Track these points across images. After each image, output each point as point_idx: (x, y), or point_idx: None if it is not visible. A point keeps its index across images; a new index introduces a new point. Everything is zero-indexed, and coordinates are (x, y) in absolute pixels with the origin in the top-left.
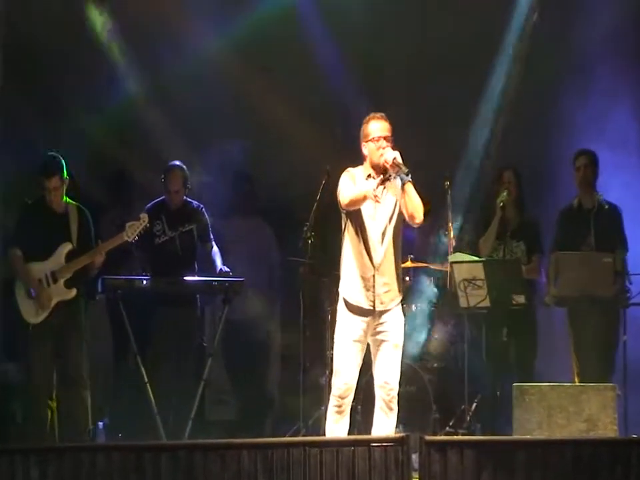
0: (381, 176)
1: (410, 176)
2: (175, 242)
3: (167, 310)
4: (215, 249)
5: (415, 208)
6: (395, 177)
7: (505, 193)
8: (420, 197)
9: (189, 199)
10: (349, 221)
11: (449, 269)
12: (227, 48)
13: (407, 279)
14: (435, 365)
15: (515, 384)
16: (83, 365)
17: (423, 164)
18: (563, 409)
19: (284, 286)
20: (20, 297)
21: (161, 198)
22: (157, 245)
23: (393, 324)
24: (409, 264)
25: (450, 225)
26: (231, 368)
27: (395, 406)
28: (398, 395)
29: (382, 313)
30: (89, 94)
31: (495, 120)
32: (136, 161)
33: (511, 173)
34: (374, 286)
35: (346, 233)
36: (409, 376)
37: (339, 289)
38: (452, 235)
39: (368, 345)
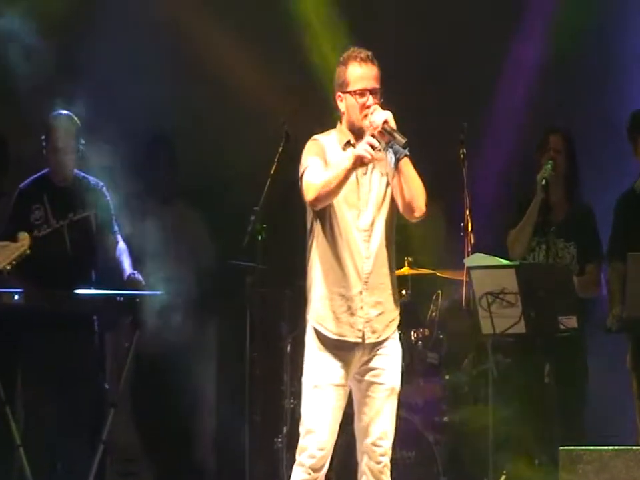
0: (372, 139)
1: (407, 148)
2: (62, 235)
3: (49, 338)
4: (122, 245)
5: (415, 194)
6: (385, 149)
7: (548, 166)
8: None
9: (83, 174)
10: (316, 214)
11: (465, 278)
12: None
13: (403, 292)
14: (445, 418)
15: (562, 447)
16: None
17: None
18: None
19: (222, 302)
20: None
21: (42, 172)
22: (36, 240)
23: (389, 359)
24: (405, 270)
25: (467, 212)
26: (143, 424)
27: (387, 478)
28: (391, 462)
29: (374, 345)
30: None
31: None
32: (11, 122)
33: (559, 137)
34: (362, 308)
35: (315, 233)
36: (406, 435)
37: (308, 315)
38: (470, 228)
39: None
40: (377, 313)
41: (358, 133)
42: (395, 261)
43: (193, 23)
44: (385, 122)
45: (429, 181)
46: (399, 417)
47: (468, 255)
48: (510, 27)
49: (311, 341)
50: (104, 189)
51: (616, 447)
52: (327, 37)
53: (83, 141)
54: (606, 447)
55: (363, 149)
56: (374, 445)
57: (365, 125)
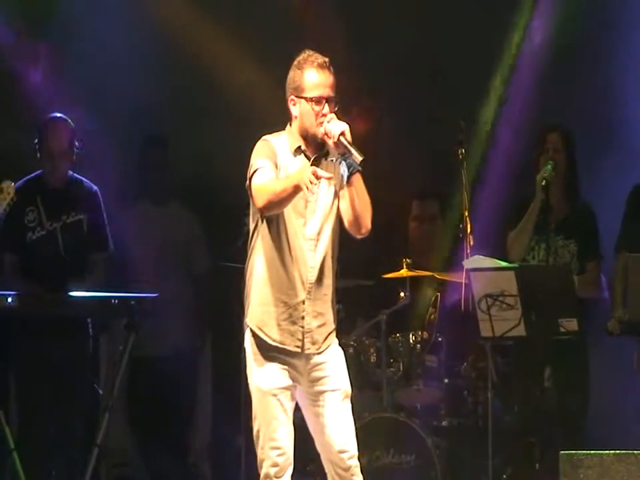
0: (324, 156)
1: (362, 163)
2: (56, 238)
3: (42, 341)
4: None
5: (363, 211)
6: (337, 161)
7: (549, 167)
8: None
9: (77, 176)
10: (261, 217)
11: (464, 280)
12: None
13: (402, 294)
14: (445, 422)
15: (562, 452)
16: None
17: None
18: None
19: (217, 306)
20: None
21: (35, 173)
22: (30, 243)
23: (332, 365)
24: (404, 272)
25: (466, 212)
26: (138, 428)
27: (359, 477)
28: (385, 466)
29: (314, 355)
30: None
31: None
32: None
33: (557, 135)
34: (303, 318)
35: (260, 235)
36: (405, 439)
37: (247, 319)
38: (469, 228)
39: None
40: (318, 324)
41: (310, 140)
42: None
43: (187, 23)
44: (342, 134)
45: (428, 181)
46: (397, 421)
47: (467, 257)
48: (510, 25)
49: (250, 346)
50: (98, 193)
51: (617, 452)
52: (325, 36)
53: (77, 144)
54: (607, 452)
55: (305, 178)
56: (340, 452)
57: (320, 132)
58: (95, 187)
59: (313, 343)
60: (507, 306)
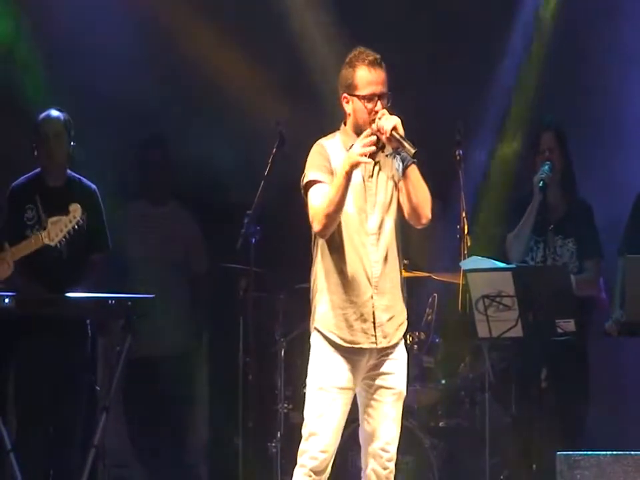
0: (373, 138)
1: (415, 155)
2: None
3: (40, 342)
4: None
5: (421, 201)
6: (392, 155)
7: (546, 168)
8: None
9: (76, 175)
10: None
11: (461, 280)
12: None
13: None
14: (442, 423)
15: (559, 453)
16: None
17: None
18: None
19: (215, 306)
20: None
21: (34, 172)
22: None
23: (397, 363)
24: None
25: (463, 213)
26: (136, 429)
27: None
28: None
29: (383, 349)
30: None
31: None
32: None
33: (551, 135)
34: (373, 313)
35: (318, 239)
36: (402, 440)
37: (315, 324)
38: (466, 229)
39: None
40: (388, 317)
41: None
42: (401, 262)
43: (185, 23)
44: (394, 128)
45: (428, 181)
46: None
47: (464, 258)
48: (508, 25)
49: (318, 345)
50: (96, 191)
51: (614, 453)
52: (322, 35)
53: (74, 145)
54: (604, 453)
55: (357, 153)
56: (382, 449)
57: (372, 129)
58: (94, 186)
59: (385, 337)
60: (504, 307)
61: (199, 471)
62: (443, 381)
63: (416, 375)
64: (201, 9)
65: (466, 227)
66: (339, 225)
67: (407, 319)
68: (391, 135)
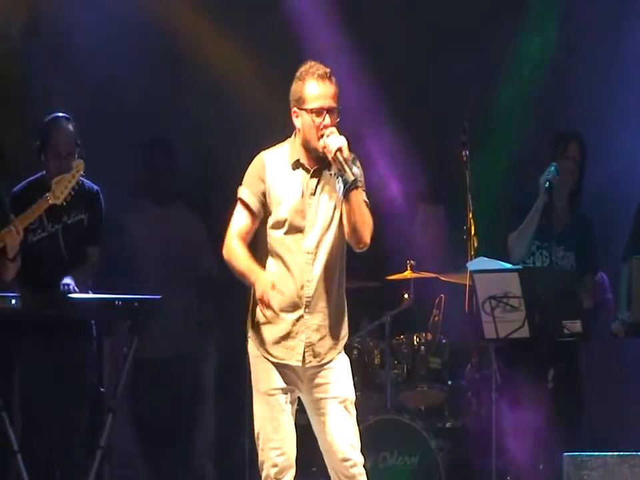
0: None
1: (358, 181)
2: (57, 240)
3: (46, 343)
4: (92, 258)
5: (360, 226)
6: (335, 176)
7: (552, 169)
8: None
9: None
10: (261, 232)
11: (468, 282)
12: None
13: (406, 296)
14: (448, 424)
15: (566, 453)
16: None
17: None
18: None
19: (221, 307)
20: None
21: (36, 175)
22: (31, 245)
23: (335, 372)
24: (407, 274)
25: (470, 214)
26: (143, 429)
27: None
28: (389, 468)
29: (316, 366)
30: None
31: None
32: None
33: (577, 147)
34: (303, 332)
35: (259, 250)
36: (408, 441)
37: (249, 332)
38: (473, 231)
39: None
40: (319, 337)
41: (312, 152)
42: (344, 279)
43: (191, 26)
44: (339, 149)
45: (433, 184)
46: (401, 423)
47: (471, 259)
48: (514, 24)
49: (252, 352)
50: (99, 193)
51: (621, 453)
52: (326, 37)
53: (79, 149)
54: (610, 453)
55: (259, 290)
56: (342, 460)
57: (320, 146)
58: (96, 187)
59: (315, 356)
60: (511, 307)
61: (205, 472)
62: (450, 382)
63: (422, 375)
64: (208, 13)
65: (472, 228)
66: (275, 240)
67: (411, 320)
68: (335, 155)
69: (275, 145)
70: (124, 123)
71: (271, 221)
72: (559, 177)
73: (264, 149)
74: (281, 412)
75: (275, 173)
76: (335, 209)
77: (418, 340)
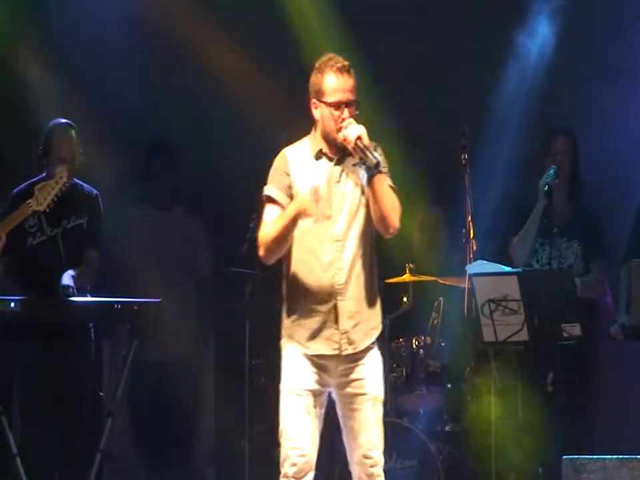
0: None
1: (381, 166)
2: (56, 244)
3: (45, 346)
4: (91, 261)
5: (387, 211)
6: (358, 165)
7: (551, 172)
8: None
9: (78, 181)
10: None
11: (467, 285)
12: None
13: (405, 299)
14: (448, 427)
15: (565, 456)
16: None
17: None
18: None
19: (221, 310)
20: None
21: (37, 178)
22: (30, 248)
23: (369, 368)
24: (407, 277)
25: (469, 217)
26: (142, 433)
27: None
28: (388, 471)
29: (352, 355)
30: None
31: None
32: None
33: (565, 139)
34: (337, 320)
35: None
36: (407, 444)
37: (283, 331)
38: (472, 234)
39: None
40: (353, 324)
41: (331, 143)
42: (376, 267)
43: (193, 30)
44: (358, 138)
45: (430, 186)
46: (400, 426)
47: (470, 262)
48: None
49: (286, 352)
50: (99, 197)
51: (620, 456)
52: (328, 40)
53: (82, 154)
54: (610, 456)
55: (303, 200)
56: (364, 457)
57: (339, 138)
58: (96, 191)
59: (350, 343)
60: (510, 311)
61: (205, 475)
62: (449, 385)
63: (422, 378)
64: (209, 16)
65: (472, 231)
66: (301, 235)
67: (410, 323)
68: (355, 144)
69: (275, 147)
70: (124, 127)
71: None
72: (558, 180)
73: (264, 152)
74: (307, 414)
75: (298, 165)
76: (361, 195)
77: (417, 343)
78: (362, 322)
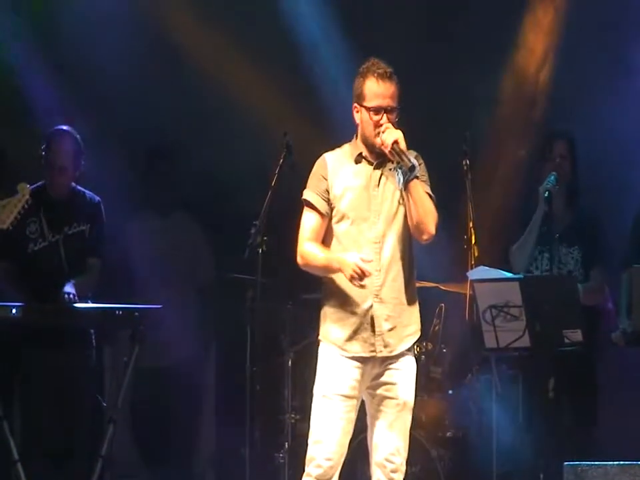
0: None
1: (417, 170)
2: (57, 250)
3: (46, 352)
4: (93, 268)
5: (423, 217)
6: (394, 169)
7: (552, 178)
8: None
9: (80, 188)
10: (328, 225)
11: (468, 291)
12: None
13: None
14: (449, 433)
15: (566, 463)
16: None
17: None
18: None
19: (222, 317)
20: None
21: (38, 184)
22: (31, 254)
23: (402, 374)
24: None
25: (470, 223)
26: (143, 439)
27: None
28: None
29: (386, 359)
30: None
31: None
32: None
33: (564, 144)
34: (372, 323)
35: (325, 244)
36: (409, 450)
37: (320, 335)
38: (474, 240)
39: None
40: (389, 327)
41: (370, 148)
42: (415, 271)
43: (194, 33)
44: (395, 142)
45: (434, 193)
46: None
47: (471, 268)
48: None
49: (323, 354)
50: (100, 204)
51: (621, 462)
52: (329, 42)
53: (83, 162)
54: (611, 463)
55: (349, 269)
56: (386, 460)
57: (377, 142)
58: (98, 198)
59: (386, 346)
60: (512, 317)
61: None
62: (450, 391)
63: (423, 385)
64: (212, 21)
65: (473, 237)
66: (341, 233)
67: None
68: (392, 148)
69: (276, 151)
70: (126, 133)
71: (336, 215)
72: (558, 187)
73: (264, 155)
74: (338, 419)
75: (336, 169)
76: (400, 199)
77: (418, 349)
78: (398, 326)
